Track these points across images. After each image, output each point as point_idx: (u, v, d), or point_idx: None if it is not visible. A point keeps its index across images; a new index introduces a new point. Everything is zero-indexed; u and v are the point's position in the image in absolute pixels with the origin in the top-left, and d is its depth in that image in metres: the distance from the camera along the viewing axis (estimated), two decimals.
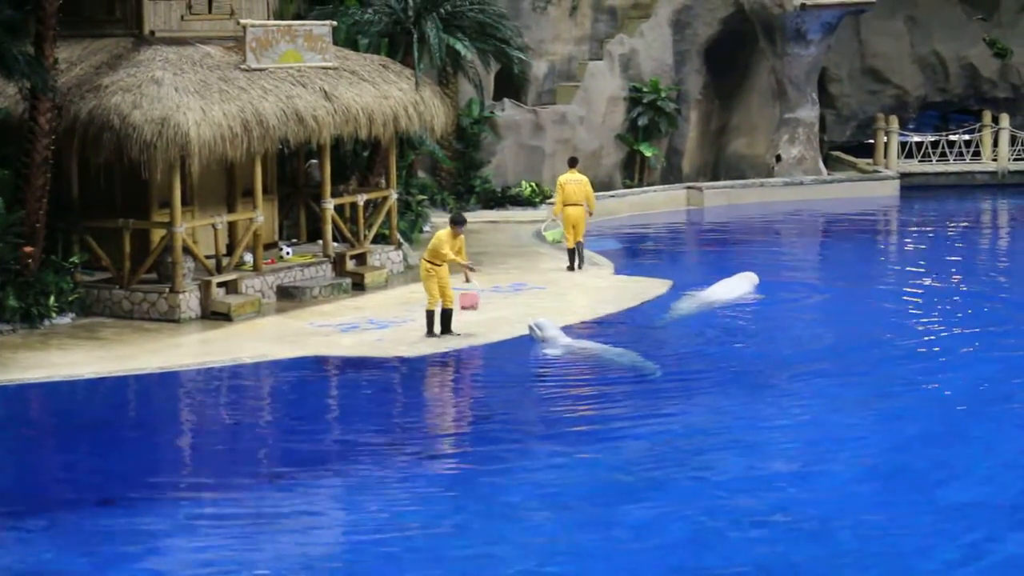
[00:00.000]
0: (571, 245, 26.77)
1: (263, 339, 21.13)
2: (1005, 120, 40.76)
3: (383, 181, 27.02)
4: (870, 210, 36.77)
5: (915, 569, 12.75)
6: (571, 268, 26.68)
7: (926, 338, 21.95)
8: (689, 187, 36.81)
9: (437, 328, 21.11)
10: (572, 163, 28.01)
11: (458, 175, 33.81)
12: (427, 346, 20.72)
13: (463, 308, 21.93)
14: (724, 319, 23.07)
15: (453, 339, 20.98)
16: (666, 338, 22.01)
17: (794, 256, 30.93)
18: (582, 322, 22.49)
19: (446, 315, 21.26)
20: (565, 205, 26.92)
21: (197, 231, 23.16)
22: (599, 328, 22.29)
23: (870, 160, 40.52)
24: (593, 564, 12.84)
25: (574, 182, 27.06)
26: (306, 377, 19.78)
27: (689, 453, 16.02)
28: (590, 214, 27.36)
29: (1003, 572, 12.83)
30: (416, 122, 25.64)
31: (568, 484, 14.93)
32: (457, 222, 21.68)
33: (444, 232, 21.40)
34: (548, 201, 32.97)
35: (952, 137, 41.49)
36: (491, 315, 22.67)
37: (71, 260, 22.38)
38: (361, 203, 25.83)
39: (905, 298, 24.98)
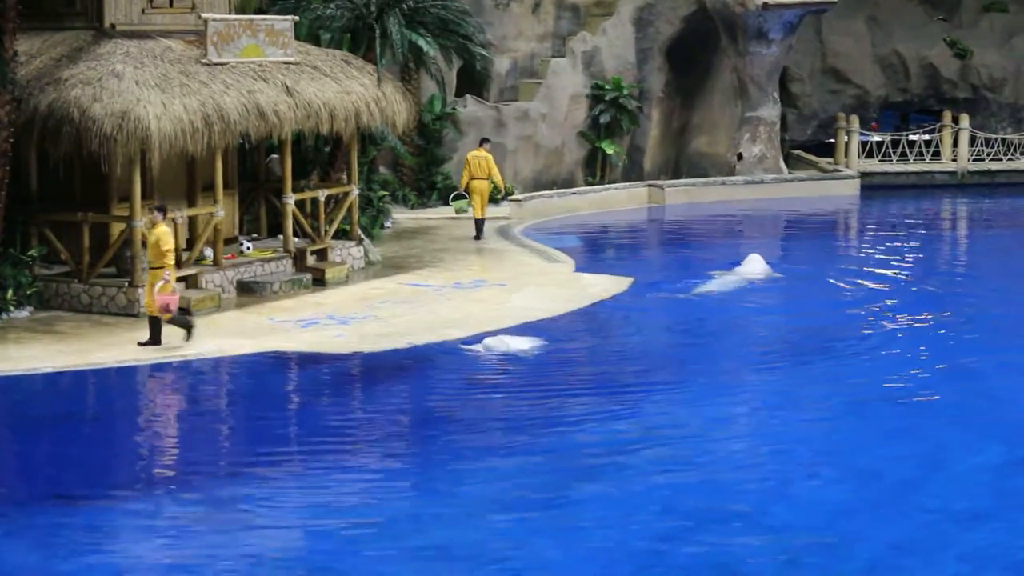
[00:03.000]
0: (479, 215, 29.77)
1: (222, 334, 21.06)
2: (965, 120, 41.05)
3: (344, 177, 26.98)
4: (830, 209, 36.98)
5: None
6: (477, 238, 29.51)
7: (878, 332, 22.10)
8: (651, 185, 36.91)
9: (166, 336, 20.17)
10: (482, 142, 30.85)
11: (420, 171, 33.82)
12: (387, 342, 20.69)
13: (160, 308, 19.94)
14: (673, 313, 23.47)
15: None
16: (620, 333, 22.14)
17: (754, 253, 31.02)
18: (542, 319, 22.48)
19: (156, 323, 20.11)
20: (472, 179, 29.96)
21: None
22: (557, 325, 22.33)
23: (831, 159, 40.74)
24: (556, 564, 12.89)
25: (479, 158, 30.08)
26: (265, 372, 19.72)
27: (648, 452, 16.07)
28: (497, 188, 31.40)
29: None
30: (378, 118, 25.61)
31: (526, 483, 14.95)
32: (159, 208, 20.68)
33: (163, 227, 20.34)
34: (512, 197, 33.38)
35: (912, 137, 41.76)
36: (455, 312, 22.68)
37: (29, 253, 22.26)
38: (322, 198, 25.80)
39: (860, 294, 25.17)
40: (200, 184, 24.09)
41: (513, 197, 33.55)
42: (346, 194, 26.42)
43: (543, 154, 36.13)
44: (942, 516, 14.04)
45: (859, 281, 26.41)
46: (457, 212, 30.79)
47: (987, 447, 16.36)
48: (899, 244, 31.71)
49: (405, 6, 27.46)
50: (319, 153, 28.03)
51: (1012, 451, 16.20)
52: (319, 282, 24.65)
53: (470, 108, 34.91)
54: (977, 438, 16.68)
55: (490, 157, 30.33)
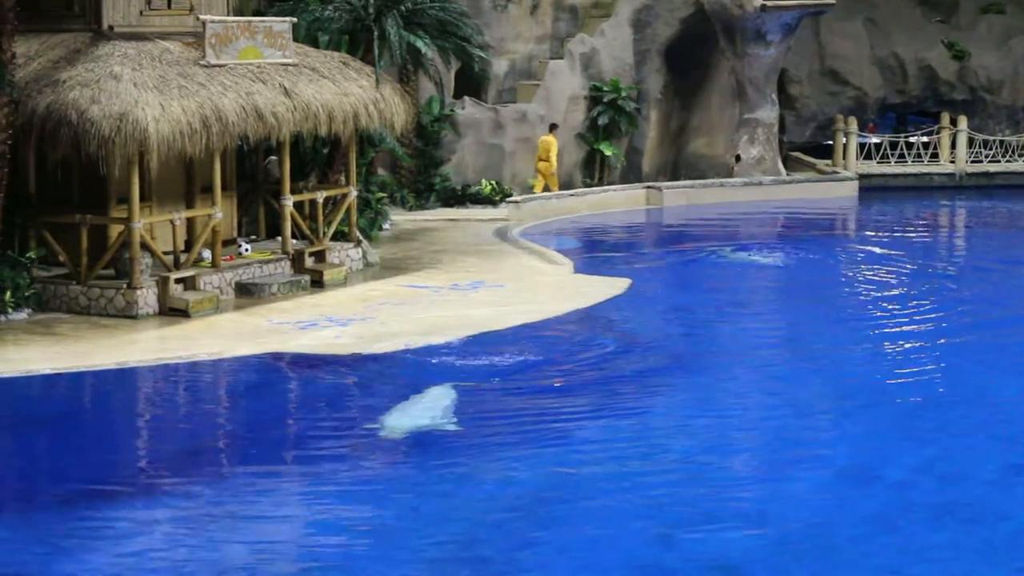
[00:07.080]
0: (538, 191, 34.33)
1: (221, 336, 21.08)
2: (963, 122, 41.05)
3: (343, 178, 26.98)
4: (828, 210, 36.99)
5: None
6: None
7: (880, 337, 22.15)
8: (649, 187, 36.89)
9: None
10: (551, 127, 34.78)
11: (418, 173, 33.82)
12: (385, 343, 20.68)
13: None
14: (671, 312, 23.60)
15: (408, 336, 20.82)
16: (620, 332, 22.21)
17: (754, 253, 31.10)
18: (541, 319, 22.50)
19: None
20: (538, 160, 34.41)
21: (155, 227, 23.10)
22: (554, 326, 22.34)
23: (829, 161, 40.74)
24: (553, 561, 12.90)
25: (542, 142, 34.45)
26: (264, 374, 19.74)
27: (640, 449, 16.09)
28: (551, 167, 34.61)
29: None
30: (376, 119, 25.61)
31: (520, 485, 14.95)
32: None
33: None
34: (510, 199, 33.38)
35: (910, 139, 41.76)
36: (453, 314, 22.68)
37: (28, 255, 22.27)
38: (320, 200, 25.81)
39: (858, 297, 25.22)
40: (198, 186, 24.10)
41: (511, 199, 33.55)
42: (344, 196, 26.43)
43: None
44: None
45: (863, 279, 26.51)
46: (533, 190, 34.52)
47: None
48: (899, 243, 31.74)
49: (403, 8, 27.47)
50: (317, 155, 28.03)
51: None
52: (317, 284, 24.66)
53: (468, 110, 34.92)
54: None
55: (550, 140, 34.22)
